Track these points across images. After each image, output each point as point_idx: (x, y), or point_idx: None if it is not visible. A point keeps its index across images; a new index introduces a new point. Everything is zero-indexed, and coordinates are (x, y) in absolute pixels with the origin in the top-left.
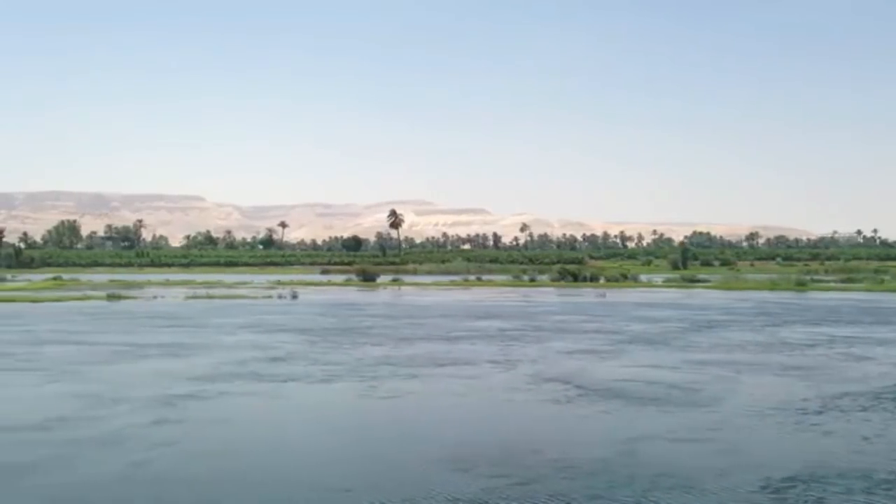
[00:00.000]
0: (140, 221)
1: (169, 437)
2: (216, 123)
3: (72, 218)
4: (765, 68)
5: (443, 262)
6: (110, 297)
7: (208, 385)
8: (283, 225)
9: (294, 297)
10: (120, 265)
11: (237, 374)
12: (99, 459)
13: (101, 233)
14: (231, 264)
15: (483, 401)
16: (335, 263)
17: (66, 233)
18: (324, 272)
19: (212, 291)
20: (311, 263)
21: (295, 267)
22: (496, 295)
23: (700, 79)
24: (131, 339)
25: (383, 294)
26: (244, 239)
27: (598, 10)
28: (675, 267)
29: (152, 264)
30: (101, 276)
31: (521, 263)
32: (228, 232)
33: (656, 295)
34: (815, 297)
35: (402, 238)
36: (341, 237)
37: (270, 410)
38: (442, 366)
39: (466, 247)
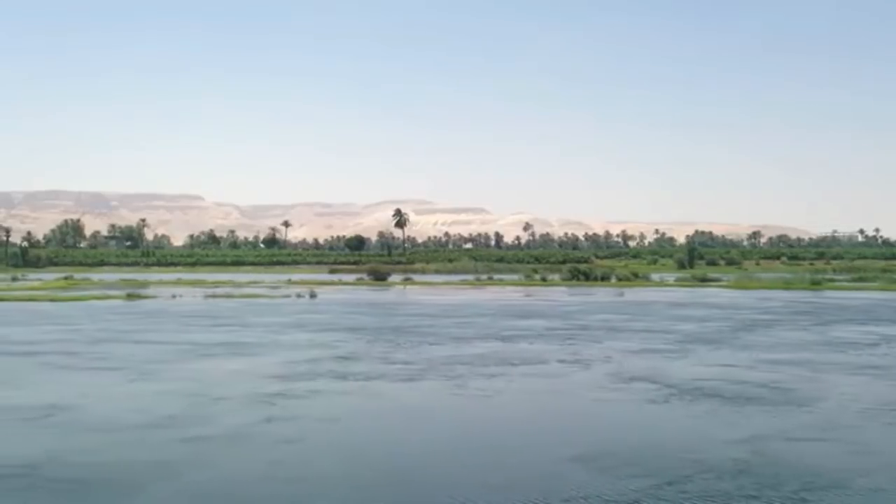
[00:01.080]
0: (143, 221)
1: (290, 435)
2: (215, 123)
3: (71, 217)
4: (764, 68)
5: (450, 261)
6: (130, 297)
7: (295, 384)
8: (287, 224)
9: (313, 296)
10: (126, 264)
11: (316, 373)
12: (236, 457)
13: (101, 232)
14: (237, 263)
15: (581, 401)
16: (341, 263)
17: (70, 232)
18: (332, 271)
19: (230, 291)
20: (318, 263)
21: (301, 266)
22: (514, 294)
23: (699, 78)
24: (185, 337)
25: (402, 293)
26: (246, 238)
27: (599, 10)
28: (681, 266)
29: (158, 263)
30: (111, 276)
31: (528, 263)
32: (231, 231)
33: (676, 294)
34: (837, 296)
35: (403, 238)
36: (342, 236)
37: (375, 409)
38: (515, 365)
39: (468, 246)
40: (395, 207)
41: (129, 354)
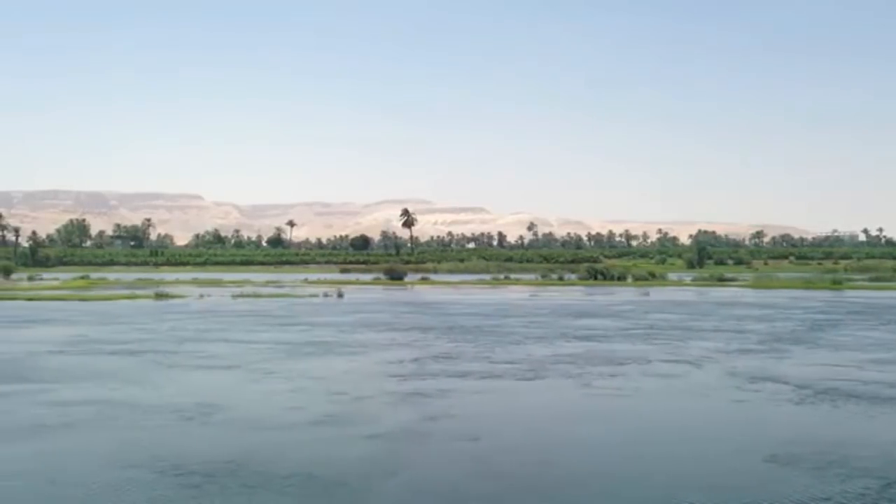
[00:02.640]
0: (148, 220)
1: (464, 433)
2: (215, 122)
3: (70, 217)
4: (764, 66)
5: (461, 261)
6: (158, 296)
7: (420, 383)
8: (292, 224)
9: (340, 296)
10: (135, 264)
11: (431, 373)
12: (434, 455)
13: (102, 231)
14: (246, 263)
15: (723, 401)
16: (350, 262)
17: (76, 231)
18: (343, 271)
19: (257, 290)
20: (326, 262)
21: (310, 266)
22: (541, 293)
23: (698, 77)
24: (265, 336)
25: (429, 292)
26: (249, 238)
27: (599, 9)
28: (690, 265)
29: (168, 263)
30: (128, 276)
31: (536, 262)
32: (236, 231)
33: (701, 293)
34: (866, 295)
35: (410, 237)
36: (345, 236)
37: (526, 408)
38: (623, 364)
39: (471, 246)
40: (393, 207)
41: (228, 353)
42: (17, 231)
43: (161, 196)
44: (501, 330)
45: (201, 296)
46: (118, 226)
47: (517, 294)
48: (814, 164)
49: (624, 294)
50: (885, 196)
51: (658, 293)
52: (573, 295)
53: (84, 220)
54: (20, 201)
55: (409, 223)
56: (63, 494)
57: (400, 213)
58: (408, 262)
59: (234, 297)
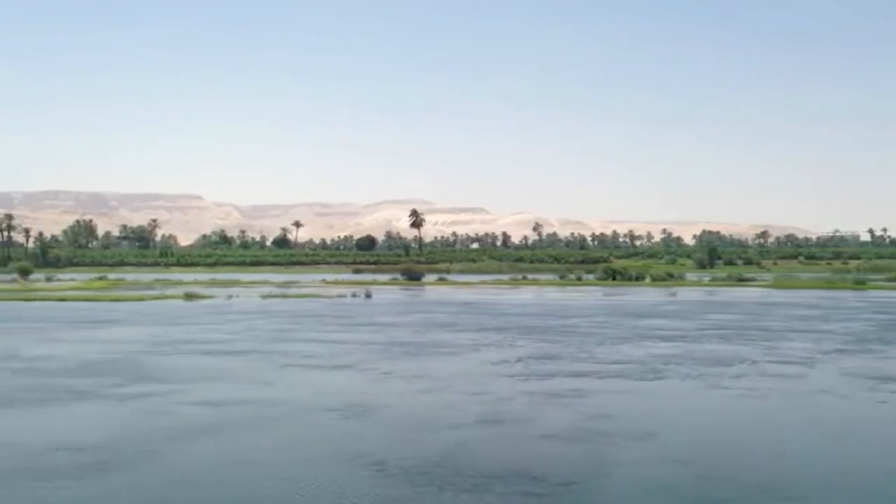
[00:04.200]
0: (154, 221)
1: (636, 432)
2: (214, 123)
3: (70, 217)
4: (765, 66)
5: (472, 261)
6: (188, 297)
7: (544, 383)
8: (298, 224)
9: (368, 296)
10: (145, 265)
11: (545, 373)
12: (627, 453)
13: (110, 232)
14: (256, 264)
15: (867, 402)
16: (361, 263)
17: (82, 232)
18: (355, 271)
19: (284, 291)
20: (336, 263)
21: (321, 266)
22: (570, 294)
23: (698, 77)
24: (344, 336)
25: (454, 293)
26: (252, 238)
27: (599, 9)
28: (701, 266)
29: (178, 264)
30: (145, 276)
31: (548, 263)
32: (242, 231)
33: (725, 293)
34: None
35: (419, 238)
36: (348, 236)
37: (679, 408)
38: (731, 365)
39: (475, 246)
40: (394, 207)
41: (325, 353)
42: (27, 231)
43: (161, 196)
44: (577, 330)
45: (230, 296)
46: (124, 227)
47: (542, 294)
48: (815, 163)
49: (650, 294)
50: (886, 196)
51: (684, 293)
52: (597, 295)
53: (91, 221)
54: (20, 202)
55: (417, 224)
56: (290, 491)
57: (400, 213)
58: (419, 263)
59: (264, 297)
